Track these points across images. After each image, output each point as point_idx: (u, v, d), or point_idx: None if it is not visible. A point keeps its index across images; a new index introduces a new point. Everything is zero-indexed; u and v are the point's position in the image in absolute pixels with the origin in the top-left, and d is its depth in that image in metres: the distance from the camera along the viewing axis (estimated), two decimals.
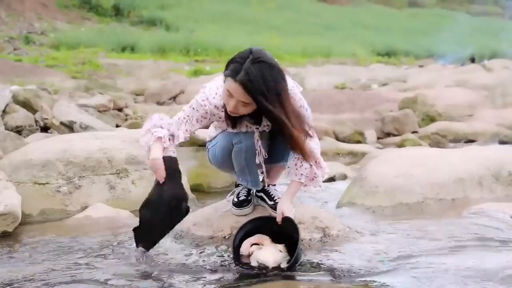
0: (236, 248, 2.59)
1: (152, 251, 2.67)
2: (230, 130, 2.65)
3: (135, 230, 2.62)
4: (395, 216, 3.38)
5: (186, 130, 2.63)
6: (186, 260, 2.59)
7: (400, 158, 4.04)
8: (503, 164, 3.92)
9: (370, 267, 2.46)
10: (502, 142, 8.25)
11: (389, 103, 10.81)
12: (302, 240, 2.60)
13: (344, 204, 3.68)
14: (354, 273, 2.41)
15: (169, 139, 2.60)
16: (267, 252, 2.55)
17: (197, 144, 5.90)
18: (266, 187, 2.84)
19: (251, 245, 2.61)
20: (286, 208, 2.64)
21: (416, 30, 41.06)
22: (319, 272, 2.43)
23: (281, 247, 2.58)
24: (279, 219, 2.64)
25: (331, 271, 2.44)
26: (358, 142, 8.02)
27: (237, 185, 2.94)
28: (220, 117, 2.62)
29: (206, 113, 2.60)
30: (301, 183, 2.68)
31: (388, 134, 8.90)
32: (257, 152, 2.66)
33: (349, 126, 8.68)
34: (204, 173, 4.59)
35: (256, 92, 2.36)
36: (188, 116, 2.63)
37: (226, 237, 2.77)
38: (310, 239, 2.74)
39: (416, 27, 42.58)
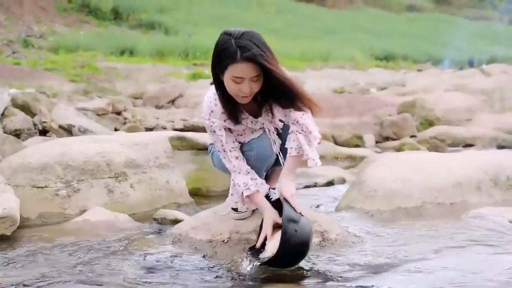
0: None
1: (149, 253, 2.67)
2: (233, 127, 2.64)
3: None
4: (393, 220, 3.38)
5: (230, 149, 2.65)
6: (184, 264, 2.58)
7: (398, 162, 4.04)
8: (502, 168, 3.92)
9: (368, 271, 2.46)
10: (501, 147, 8.26)
11: (387, 107, 10.83)
12: (289, 233, 2.40)
13: (342, 208, 3.68)
14: (353, 277, 2.41)
15: (252, 180, 2.64)
16: (272, 241, 2.51)
17: (196, 148, 5.90)
18: (268, 192, 2.85)
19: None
20: (285, 191, 2.57)
21: (415, 35, 41.18)
22: (317, 276, 2.43)
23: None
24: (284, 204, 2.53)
25: (329, 275, 2.44)
26: (357, 146, 8.02)
27: None
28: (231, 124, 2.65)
29: (220, 125, 2.60)
30: (296, 156, 2.61)
31: (387, 138, 8.91)
32: (272, 142, 2.68)
33: (347, 130, 8.69)
34: (203, 177, 4.58)
35: (260, 58, 2.38)
36: (220, 141, 2.63)
37: (225, 241, 2.77)
38: None
39: (414, 31, 42.71)
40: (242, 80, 2.42)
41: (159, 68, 20.55)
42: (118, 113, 9.16)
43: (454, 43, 33.12)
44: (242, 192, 2.64)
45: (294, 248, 2.40)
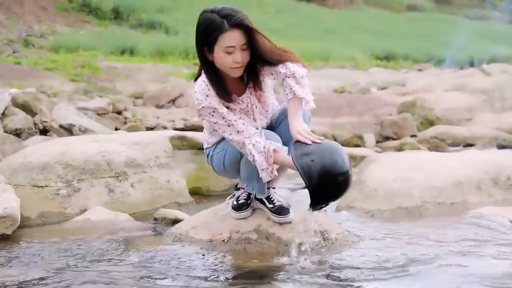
0: None
1: (149, 253, 2.68)
2: (228, 107, 2.62)
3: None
4: (394, 220, 3.38)
5: (236, 121, 2.60)
6: (184, 263, 2.59)
7: (399, 162, 4.04)
8: (502, 168, 3.92)
9: (369, 271, 2.46)
10: (501, 146, 8.26)
11: (388, 107, 10.83)
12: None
13: (343, 207, 3.68)
14: (353, 277, 2.41)
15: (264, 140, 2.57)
16: None
17: (196, 147, 5.89)
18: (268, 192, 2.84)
19: None
20: (293, 128, 2.50)
21: (415, 34, 41.17)
22: (317, 276, 2.43)
23: None
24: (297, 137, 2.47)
25: (330, 275, 2.44)
26: (357, 145, 8.01)
27: (236, 189, 2.94)
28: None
29: (218, 102, 2.59)
30: (293, 99, 2.55)
31: (387, 138, 8.90)
32: (254, 118, 2.68)
33: (348, 129, 8.69)
34: (203, 176, 4.58)
35: (246, 21, 2.47)
36: (223, 118, 2.60)
37: (225, 240, 2.77)
38: (309, 243, 2.74)
39: (415, 31, 42.70)
40: (233, 49, 2.48)
41: (160, 67, 20.55)
42: (119, 113, 9.16)
43: (454, 42, 33.12)
44: (268, 150, 2.52)
45: (321, 176, 2.32)
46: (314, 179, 2.32)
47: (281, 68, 2.58)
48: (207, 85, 2.60)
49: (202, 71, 2.65)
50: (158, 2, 35.04)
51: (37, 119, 6.72)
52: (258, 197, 2.82)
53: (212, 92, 2.60)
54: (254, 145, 2.55)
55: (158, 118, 9.80)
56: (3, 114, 6.73)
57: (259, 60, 2.58)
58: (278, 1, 42.70)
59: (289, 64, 2.58)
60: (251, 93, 2.69)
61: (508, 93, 12.08)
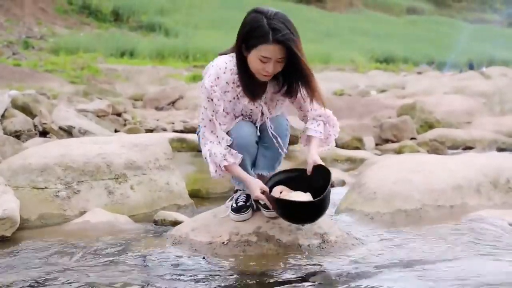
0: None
1: (149, 255, 2.68)
2: (227, 105, 2.67)
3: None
4: (393, 223, 3.38)
5: (220, 124, 2.67)
6: (183, 265, 2.59)
7: (398, 165, 4.04)
8: (501, 171, 3.92)
9: (368, 274, 2.46)
10: (500, 149, 8.27)
11: (387, 110, 10.84)
12: (332, 182, 2.72)
13: (342, 210, 3.68)
14: (353, 279, 2.41)
15: (229, 153, 2.68)
16: (298, 194, 2.69)
17: (196, 149, 5.90)
18: None
19: (280, 192, 2.75)
20: (317, 158, 2.75)
21: (415, 37, 41.15)
22: (317, 279, 2.43)
23: (309, 194, 2.71)
24: (309, 169, 2.75)
25: (329, 277, 2.44)
26: (357, 148, 8.02)
27: (235, 191, 2.94)
28: (227, 99, 2.65)
29: (219, 95, 2.63)
30: (320, 139, 2.84)
31: (387, 141, 8.91)
32: (259, 120, 2.74)
33: (347, 132, 8.69)
34: (203, 179, 4.58)
35: (292, 43, 2.46)
36: (212, 111, 2.65)
37: (225, 243, 2.77)
38: (308, 245, 2.74)
39: (414, 34, 42.69)
40: (268, 60, 2.50)
41: (159, 70, 20.55)
42: (118, 115, 9.17)
43: (455, 46, 33.16)
44: (219, 165, 2.68)
45: (321, 210, 2.63)
46: (321, 206, 2.64)
47: (315, 111, 2.81)
48: (225, 68, 2.62)
49: (231, 56, 2.65)
50: (158, 4, 35.03)
51: (36, 121, 6.72)
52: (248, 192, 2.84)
53: (225, 78, 2.61)
54: (211, 154, 2.68)
55: (157, 120, 9.81)
56: (2, 116, 6.73)
57: (294, 78, 2.62)
58: (277, 3, 42.66)
59: (327, 112, 2.86)
60: (265, 103, 2.72)
61: (507, 96, 12.09)
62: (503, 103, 11.85)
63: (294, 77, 2.61)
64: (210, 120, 2.67)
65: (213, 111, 2.65)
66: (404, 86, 17.44)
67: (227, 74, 2.62)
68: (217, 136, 2.68)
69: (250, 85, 2.62)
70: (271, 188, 2.77)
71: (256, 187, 2.66)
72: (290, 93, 2.69)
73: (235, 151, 2.69)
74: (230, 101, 2.67)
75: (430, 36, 42.11)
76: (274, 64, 2.51)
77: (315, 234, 2.79)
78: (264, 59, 2.49)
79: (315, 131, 2.84)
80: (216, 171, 2.73)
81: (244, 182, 2.72)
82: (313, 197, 2.70)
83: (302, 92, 2.68)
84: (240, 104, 2.69)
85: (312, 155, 2.79)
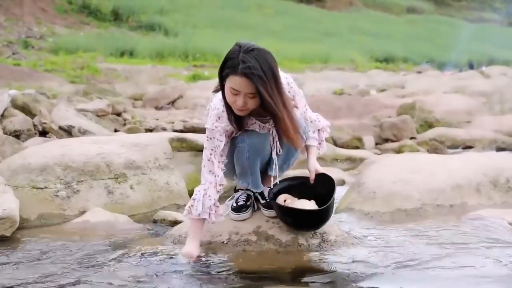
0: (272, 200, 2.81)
1: (149, 254, 2.68)
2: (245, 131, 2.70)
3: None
4: (393, 222, 3.38)
5: (219, 162, 2.68)
6: (183, 265, 2.59)
7: (398, 164, 4.04)
8: (501, 170, 3.92)
9: (368, 273, 2.47)
10: (500, 149, 8.27)
11: (387, 109, 10.84)
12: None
13: (342, 209, 3.68)
14: (352, 279, 2.41)
15: (216, 206, 2.69)
16: (302, 203, 2.75)
17: (196, 149, 5.90)
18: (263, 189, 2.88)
19: (284, 200, 2.80)
20: (318, 166, 2.86)
21: (415, 37, 41.17)
22: (316, 278, 2.43)
23: (313, 202, 2.78)
24: (312, 177, 2.84)
25: (329, 276, 2.44)
26: (356, 148, 8.02)
27: (236, 190, 2.95)
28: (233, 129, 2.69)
29: (222, 131, 2.65)
30: (317, 146, 2.93)
31: (386, 140, 8.91)
32: (272, 147, 2.74)
33: (347, 132, 8.69)
34: None
35: (258, 80, 2.42)
36: (212, 150, 2.67)
37: (225, 242, 2.77)
38: (308, 244, 2.74)
39: (414, 33, 42.70)
40: (238, 93, 2.48)
41: (159, 69, 20.55)
42: (118, 114, 9.17)
43: (454, 45, 33.17)
44: (210, 206, 2.65)
45: (325, 218, 2.74)
46: (325, 215, 2.74)
47: (309, 127, 2.89)
48: (223, 105, 2.62)
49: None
50: (158, 4, 35.02)
51: (36, 121, 6.72)
52: (253, 190, 2.86)
53: (226, 115, 2.63)
54: (205, 195, 2.66)
55: (157, 119, 9.80)
56: (2, 115, 6.73)
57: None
58: (277, 3, 42.71)
59: (314, 121, 2.93)
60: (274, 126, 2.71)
61: (507, 96, 12.10)
62: (503, 103, 11.86)
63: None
64: (209, 160, 2.68)
65: (212, 149, 2.66)
66: (404, 85, 17.46)
67: (224, 118, 2.64)
68: (212, 175, 2.66)
69: (233, 114, 2.60)
70: (275, 196, 2.80)
71: (191, 249, 2.63)
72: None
73: (221, 213, 2.70)
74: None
75: (430, 35, 42.12)
76: (244, 98, 2.48)
77: (315, 234, 2.79)
78: (234, 91, 2.48)
79: (313, 139, 2.91)
80: (202, 211, 2.66)
81: (188, 239, 2.68)
82: (317, 204, 2.76)
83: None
84: (253, 131, 2.71)
85: (313, 163, 2.87)
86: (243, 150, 2.68)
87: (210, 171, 2.68)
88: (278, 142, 2.74)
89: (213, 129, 2.64)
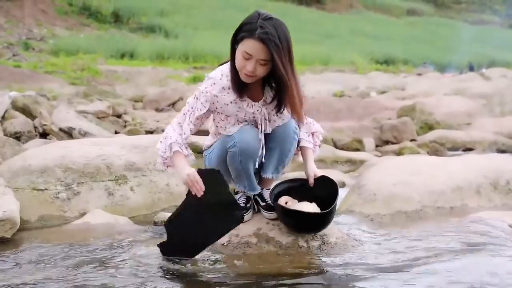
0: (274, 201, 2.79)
1: (149, 256, 2.68)
2: (223, 108, 2.68)
3: (160, 246, 2.69)
4: (393, 224, 3.38)
5: (190, 122, 2.70)
6: (183, 267, 2.59)
7: (398, 166, 4.04)
8: (501, 172, 3.92)
9: (368, 275, 2.46)
10: (500, 151, 8.26)
11: (387, 111, 10.84)
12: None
13: (342, 212, 3.68)
14: (352, 281, 2.41)
15: (185, 146, 2.68)
16: (304, 205, 2.75)
17: (196, 151, 5.91)
18: (260, 190, 2.88)
19: (285, 203, 2.81)
20: (316, 170, 2.87)
21: (415, 39, 41.20)
22: (317, 280, 2.43)
23: (314, 204, 2.78)
24: (311, 181, 2.84)
25: (329, 279, 2.44)
26: (357, 150, 8.02)
27: (236, 192, 2.95)
28: (225, 102, 2.67)
29: (210, 98, 2.66)
30: (312, 149, 2.92)
31: (387, 142, 8.91)
32: (260, 126, 2.72)
33: (347, 134, 8.69)
34: None
35: (274, 47, 2.46)
36: (192, 108, 2.70)
37: (225, 244, 2.77)
38: (308, 247, 2.74)
39: (414, 35, 42.74)
40: (250, 57, 2.51)
41: (159, 71, 20.56)
42: (118, 116, 9.17)
43: (454, 47, 33.19)
44: (171, 144, 2.65)
45: (328, 221, 2.75)
46: (329, 218, 2.74)
47: (304, 128, 2.89)
48: (222, 75, 2.66)
49: (229, 64, 2.67)
50: (158, 6, 35.07)
51: (37, 122, 6.72)
52: (250, 194, 2.86)
53: (222, 83, 2.65)
54: (166, 137, 2.69)
55: (157, 121, 9.80)
56: (3, 117, 6.74)
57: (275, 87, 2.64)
58: (277, 5, 42.74)
59: (309, 123, 2.93)
60: (264, 106, 2.72)
61: (507, 98, 12.10)
62: (503, 105, 11.86)
63: (278, 88, 2.62)
64: (184, 114, 2.71)
65: (192, 108, 2.69)
66: (404, 87, 17.47)
67: (224, 80, 2.65)
68: (181, 128, 2.69)
69: (238, 80, 2.62)
70: (275, 198, 2.80)
71: (186, 171, 2.60)
72: (279, 108, 2.68)
73: (190, 151, 2.72)
74: (227, 104, 2.68)
75: (430, 37, 42.16)
76: (255, 63, 2.51)
77: (315, 236, 2.79)
78: (246, 55, 2.51)
79: (308, 141, 2.91)
80: (164, 156, 2.68)
81: (180, 170, 2.64)
82: (318, 207, 2.76)
83: (287, 109, 2.68)
84: (241, 109, 2.69)
85: (310, 166, 2.87)
86: (235, 155, 2.68)
87: (179, 123, 2.70)
88: (267, 122, 2.73)
89: (203, 92, 2.67)
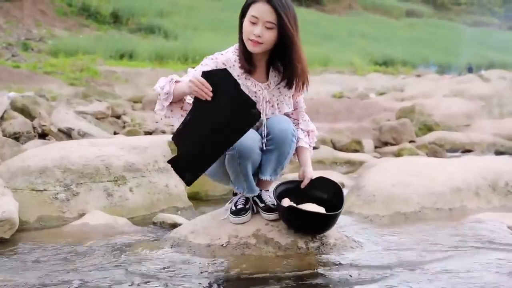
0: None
1: (148, 257, 2.68)
2: (249, 86, 2.72)
3: (172, 162, 2.62)
4: (392, 225, 3.38)
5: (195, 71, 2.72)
6: (182, 268, 2.58)
7: (397, 167, 4.05)
8: (500, 174, 3.93)
9: (367, 276, 2.47)
10: (499, 152, 8.28)
11: (386, 112, 10.86)
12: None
13: (341, 212, 3.67)
14: (352, 282, 2.41)
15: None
16: (309, 206, 2.75)
17: None
18: (259, 192, 2.88)
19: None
20: (312, 173, 2.87)
21: (414, 40, 41.23)
22: (316, 281, 2.43)
23: (315, 205, 2.77)
24: (306, 183, 2.84)
25: (328, 280, 2.44)
26: (356, 151, 8.03)
27: (235, 194, 2.95)
28: (234, 74, 2.69)
29: (217, 65, 2.69)
30: (308, 150, 2.93)
31: (386, 143, 8.92)
32: (262, 108, 2.75)
33: (346, 135, 8.70)
34: (202, 181, 4.56)
35: (282, 8, 2.56)
36: (196, 70, 2.72)
37: (224, 245, 2.77)
38: (307, 248, 2.74)
39: (413, 37, 42.76)
40: (257, 21, 2.58)
41: (159, 72, 20.53)
42: (117, 117, 9.16)
43: (453, 48, 33.23)
44: (170, 77, 2.67)
45: (333, 223, 2.75)
46: (333, 220, 2.74)
47: (301, 125, 2.94)
48: (227, 52, 2.72)
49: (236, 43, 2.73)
50: (158, 7, 35.05)
51: (36, 123, 6.72)
52: (248, 195, 2.86)
53: (227, 55, 2.70)
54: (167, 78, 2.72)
55: (157, 122, 9.80)
56: (2, 117, 6.73)
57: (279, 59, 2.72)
58: None
59: (307, 121, 2.97)
60: (267, 88, 2.76)
61: (506, 100, 12.12)
62: (501, 106, 11.88)
63: (285, 66, 2.70)
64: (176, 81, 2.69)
65: (196, 70, 2.70)
66: (403, 88, 17.49)
67: (230, 53, 2.72)
68: (169, 80, 2.69)
69: (246, 53, 2.67)
70: (278, 198, 2.80)
71: (189, 79, 2.59)
72: (290, 85, 2.76)
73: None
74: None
75: (429, 39, 42.19)
76: (262, 27, 2.57)
77: (314, 237, 2.79)
78: (254, 19, 2.58)
79: (305, 142, 2.92)
80: (164, 91, 2.66)
81: (182, 84, 2.64)
82: (322, 207, 2.76)
83: (297, 82, 2.76)
84: (244, 87, 2.69)
85: (308, 168, 2.88)
86: (234, 158, 2.67)
87: (172, 78, 2.69)
88: (268, 105, 2.77)
89: (212, 58, 2.70)
